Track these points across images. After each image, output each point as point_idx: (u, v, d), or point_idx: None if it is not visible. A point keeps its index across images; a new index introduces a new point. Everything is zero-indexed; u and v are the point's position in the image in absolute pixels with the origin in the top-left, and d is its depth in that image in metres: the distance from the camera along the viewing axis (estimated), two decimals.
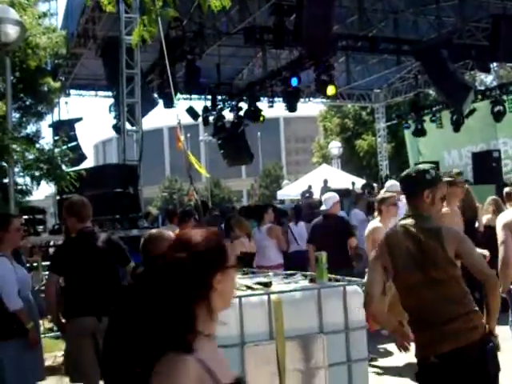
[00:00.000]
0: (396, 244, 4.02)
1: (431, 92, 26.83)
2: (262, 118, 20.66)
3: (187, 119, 22.17)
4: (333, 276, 5.35)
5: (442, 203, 4.20)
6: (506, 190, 11.14)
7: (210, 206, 23.00)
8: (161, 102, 17.99)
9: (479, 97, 20.97)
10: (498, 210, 10.80)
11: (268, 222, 10.75)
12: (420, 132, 23.36)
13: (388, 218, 7.85)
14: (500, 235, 5.81)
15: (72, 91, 21.99)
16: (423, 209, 4.05)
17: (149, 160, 19.75)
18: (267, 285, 5.21)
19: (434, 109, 23.26)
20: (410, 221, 4.06)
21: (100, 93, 22.36)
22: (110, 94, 19.05)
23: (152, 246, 5.04)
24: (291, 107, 19.62)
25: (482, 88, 26.51)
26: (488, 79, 36.80)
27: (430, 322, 3.93)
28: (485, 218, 11.18)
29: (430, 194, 4.05)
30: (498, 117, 20.33)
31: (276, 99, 21.55)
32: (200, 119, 22.56)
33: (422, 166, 4.19)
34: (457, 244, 3.97)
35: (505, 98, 20.37)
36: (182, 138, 6.65)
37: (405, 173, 4.22)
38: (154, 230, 5.41)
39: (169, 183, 72.87)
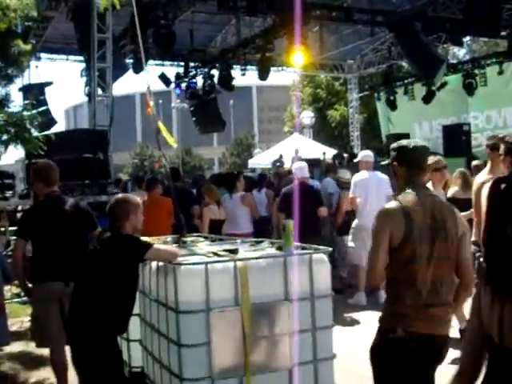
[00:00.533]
0: (414, 213, 3.93)
1: (404, 64, 26.89)
2: (232, 86, 20.56)
3: (160, 86, 22.05)
4: (299, 244, 5.38)
5: None
6: (474, 163, 11.26)
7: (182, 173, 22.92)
8: (132, 67, 17.87)
9: (451, 70, 21.02)
10: (465, 183, 10.91)
11: (240, 190, 10.76)
12: (392, 103, 23.42)
13: (434, 184, 7.89)
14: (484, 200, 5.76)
15: (43, 55, 21.72)
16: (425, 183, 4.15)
17: (120, 126, 19.61)
18: (234, 252, 5.23)
19: (406, 81, 23.32)
20: (428, 195, 4.08)
21: (71, 57, 22.10)
22: (81, 58, 18.82)
23: (118, 210, 5.05)
24: (263, 76, 19.56)
25: (455, 61, 26.57)
26: (461, 53, 36.93)
27: (421, 300, 3.90)
28: (452, 190, 11.29)
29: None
30: (469, 90, 20.43)
31: (249, 67, 21.44)
32: (172, 86, 22.42)
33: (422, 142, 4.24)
34: (463, 230, 4.02)
35: (477, 72, 20.44)
36: (152, 103, 6.57)
37: (423, 145, 4.20)
38: (119, 195, 5.41)
39: (140, 150, 72.50)
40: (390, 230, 3.92)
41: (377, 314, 9.39)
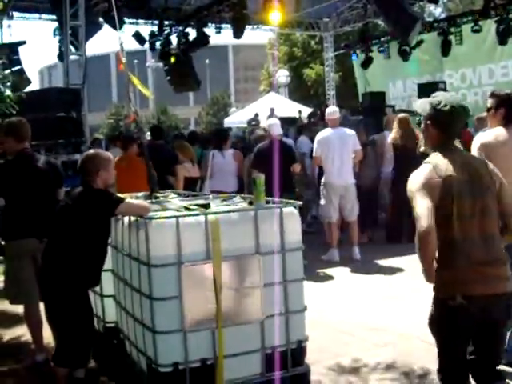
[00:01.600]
0: (448, 171, 3.80)
1: (380, 22, 26.77)
2: (206, 43, 20.40)
3: (134, 45, 21.81)
4: (270, 198, 5.42)
5: None
6: (479, 115, 11.32)
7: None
8: (106, 25, 17.63)
9: (427, 28, 20.96)
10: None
11: (229, 148, 10.78)
12: (368, 62, 23.34)
13: None
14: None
15: (15, 13, 21.32)
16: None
17: (95, 87, 19.39)
18: (205, 206, 5.27)
19: (382, 39, 23.21)
20: (456, 152, 3.97)
21: (44, 16, 21.71)
22: (54, 17, 18.55)
23: (89, 165, 5.06)
24: (237, 34, 19.41)
25: (431, 20, 26.49)
26: (437, 11, 36.84)
27: (473, 259, 3.78)
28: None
29: None
30: (445, 49, 20.41)
31: (224, 26, 21.24)
32: (147, 45, 22.19)
33: (461, 100, 4.00)
34: (500, 181, 3.95)
35: (452, 30, 20.40)
36: (124, 59, 6.53)
37: (461, 107, 3.92)
38: (90, 150, 5.42)
39: (115, 110, 71.90)
40: (427, 190, 3.77)
41: (349, 270, 9.59)
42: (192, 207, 5.23)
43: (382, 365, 5.92)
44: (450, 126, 3.93)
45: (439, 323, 3.97)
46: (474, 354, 4.01)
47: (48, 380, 5.58)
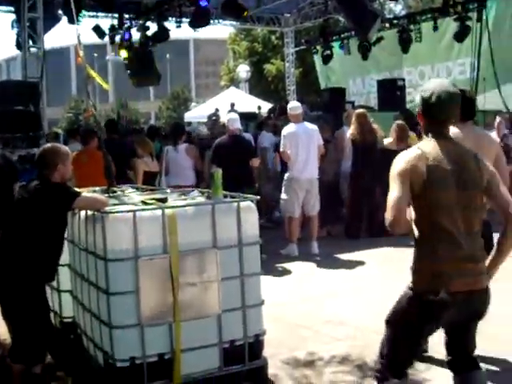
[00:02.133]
0: (436, 160, 3.73)
1: (341, 18, 26.83)
2: (167, 38, 20.32)
3: (94, 38, 21.63)
4: (228, 193, 5.43)
5: None
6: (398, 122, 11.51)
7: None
8: (65, 18, 17.43)
9: (387, 25, 21.11)
10: (401, 136, 11.18)
11: (183, 142, 10.76)
12: (328, 58, 23.42)
13: None
14: None
15: None
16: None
17: (55, 80, 19.17)
18: (163, 200, 5.27)
19: (342, 35, 23.31)
20: (449, 140, 3.88)
21: (2, 7, 21.42)
22: (12, 8, 18.30)
23: (46, 159, 5.02)
24: (198, 28, 19.42)
25: (391, 17, 26.67)
26: (397, 8, 37.06)
27: (456, 253, 3.71)
28: (386, 141, 11.54)
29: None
30: (404, 46, 20.56)
31: (184, 19, 21.15)
32: (106, 38, 22.02)
33: (452, 86, 3.88)
34: (489, 173, 3.84)
35: (412, 27, 20.55)
36: (82, 53, 6.50)
37: (449, 95, 3.81)
38: (48, 144, 5.37)
39: (74, 104, 71.23)
40: (409, 175, 3.72)
41: (307, 264, 9.64)
42: (149, 201, 5.22)
43: (337, 358, 5.96)
44: (435, 114, 3.88)
45: (411, 316, 3.85)
46: (449, 345, 4.07)
47: (4, 376, 5.54)
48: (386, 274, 8.70)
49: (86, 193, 5.18)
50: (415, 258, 3.86)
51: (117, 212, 4.86)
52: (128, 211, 4.83)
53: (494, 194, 3.82)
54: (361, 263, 9.68)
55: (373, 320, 6.77)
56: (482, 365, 4.08)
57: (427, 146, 3.82)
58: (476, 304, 3.83)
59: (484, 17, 17.34)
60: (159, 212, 4.84)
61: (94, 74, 6.76)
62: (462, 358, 4.04)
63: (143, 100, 79.14)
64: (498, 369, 5.55)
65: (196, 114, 29.99)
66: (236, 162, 9.29)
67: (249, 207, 5.22)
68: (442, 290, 3.68)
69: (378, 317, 6.88)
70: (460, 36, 18.10)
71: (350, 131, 11.76)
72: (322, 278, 9.05)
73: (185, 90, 74.74)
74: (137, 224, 4.71)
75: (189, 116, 30.75)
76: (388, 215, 3.69)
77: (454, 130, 5.49)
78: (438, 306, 3.72)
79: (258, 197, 5.41)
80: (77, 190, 5.14)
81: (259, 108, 23.86)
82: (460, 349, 4.05)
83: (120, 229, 4.75)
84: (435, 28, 19.57)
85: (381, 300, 7.45)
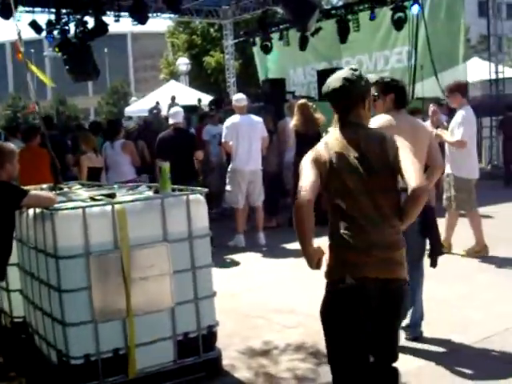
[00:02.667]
0: (339, 148, 3.72)
1: (279, 10, 26.93)
2: (105, 32, 20.14)
3: (31, 34, 21.29)
4: (176, 186, 5.45)
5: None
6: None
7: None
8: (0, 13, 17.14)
9: (325, 16, 21.25)
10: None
11: (121, 138, 10.69)
12: (267, 49, 23.52)
13: None
14: None
15: None
16: (362, 116, 3.84)
17: None
18: (111, 196, 5.26)
19: (281, 26, 23.42)
20: (353, 127, 3.81)
21: None
22: None
23: (6, 162, 4.98)
24: (141, 20, 19.33)
25: (329, 7, 26.88)
26: None
27: (360, 240, 3.67)
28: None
29: (367, 100, 3.86)
30: (342, 36, 20.74)
31: (122, 14, 21.01)
32: (44, 33, 21.71)
33: (352, 73, 3.81)
34: (395, 151, 3.74)
35: (350, 17, 20.75)
36: (22, 49, 6.43)
37: (339, 83, 3.79)
38: None
39: (12, 101, 70.10)
40: (316, 164, 3.70)
41: (255, 255, 9.71)
42: (98, 197, 5.21)
43: (291, 346, 6.04)
44: (332, 102, 3.89)
45: (328, 309, 3.85)
46: (372, 347, 3.88)
47: None
48: None
49: (33, 191, 5.14)
50: (328, 247, 3.82)
51: (66, 209, 4.84)
52: (77, 208, 4.82)
53: (400, 171, 3.72)
54: None
55: None
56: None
57: (330, 136, 3.84)
58: (390, 294, 3.74)
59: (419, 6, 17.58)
60: (109, 208, 4.85)
61: (35, 70, 6.69)
62: (380, 368, 3.90)
63: (82, 96, 78.14)
64: (445, 350, 5.71)
65: (136, 108, 29.84)
66: (180, 156, 9.28)
67: (198, 200, 5.26)
68: (347, 276, 3.67)
69: None
70: (397, 25, 18.34)
71: (293, 122, 11.84)
72: (270, 268, 9.14)
73: (124, 84, 74.17)
74: (87, 220, 4.71)
75: (129, 110, 30.53)
76: (298, 197, 3.68)
77: (387, 117, 5.63)
78: (348, 293, 3.69)
79: (207, 189, 5.44)
80: (24, 188, 5.10)
81: (199, 101, 23.86)
82: (378, 356, 3.90)
83: (70, 226, 4.74)
84: (372, 17, 19.80)
85: None
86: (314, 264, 3.79)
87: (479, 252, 8.87)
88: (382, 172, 3.71)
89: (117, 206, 4.85)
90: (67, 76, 22.24)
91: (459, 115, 8.72)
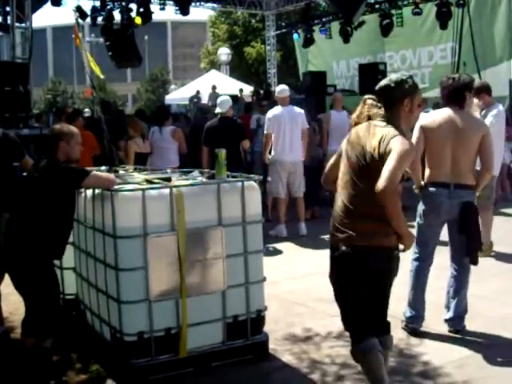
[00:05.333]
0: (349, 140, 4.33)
1: (322, 2, 26.93)
2: (149, 20, 20.30)
3: (72, 19, 21.53)
4: (230, 173, 5.57)
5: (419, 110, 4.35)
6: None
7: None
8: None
9: (369, 10, 21.21)
10: None
11: (169, 124, 10.81)
12: (309, 42, 23.52)
13: None
14: (414, 133, 6.04)
15: None
16: (401, 117, 4.21)
17: (32, 61, 19.08)
18: (167, 179, 5.40)
19: (324, 19, 23.42)
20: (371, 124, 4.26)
21: None
22: None
23: (50, 137, 5.12)
24: (184, 10, 19.44)
25: (372, 1, 26.78)
26: None
27: (354, 211, 4.17)
28: None
29: (409, 102, 4.20)
30: (385, 31, 20.70)
31: (167, 2, 21.18)
32: (88, 19, 21.94)
33: (398, 76, 4.28)
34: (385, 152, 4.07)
35: (393, 12, 20.70)
36: (80, 34, 6.61)
37: (384, 83, 4.30)
38: (57, 125, 5.44)
39: (52, 85, 70.75)
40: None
41: (297, 244, 9.79)
42: (155, 180, 5.35)
43: (333, 334, 6.13)
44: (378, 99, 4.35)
45: (330, 274, 4.46)
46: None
47: (7, 351, 5.68)
48: None
49: (95, 171, 5.27)
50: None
51: (126, 190, 4.98)
52: (137, 190, 4.96)
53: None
54: None
55: None
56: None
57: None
58: (378, 259, 4.19)
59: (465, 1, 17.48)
60: (167, 191, 4.98)
61: (90, 58, 6.84)
62: (377, 321, 4.35)
63: (120, 82, 78.65)
64: (486, 342, 5.79)
65: (177, 96, 30.02)
66: (226, 145, 9.37)
67: (252, 187, 5.38)
68: (341, 245, 4.27)
69: None
70: (442, 21, 18.28)
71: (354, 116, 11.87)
72: (311, 258, 9.23)
73: (163, 71, 74.43)
74: (146, 202, 4.85)
75: (169, 98, 30.77)
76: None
77: (448, 112, 5.80)
78: (343, 259, 4.26)
79: (261, 177, 5.56)
80: (85, 168, 5.23)
81: (241, 91, 23.96)
82: (376, 312, 4.34)
83: (129, 207, 4.88)
84: (417, 13, 19.74)
85: None
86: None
87: (487, 251, 8.61)
88: (371, 163, 4.08)
89: (175, 190, 4.98)
90: (107, 62, 22.45)
91: (487, 114, 8.70)
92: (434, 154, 5.89)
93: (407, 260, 5.82)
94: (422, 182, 6.02)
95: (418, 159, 5.95)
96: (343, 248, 4.20)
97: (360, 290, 4.25)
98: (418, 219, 6.05)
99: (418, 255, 6.03)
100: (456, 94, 5.90)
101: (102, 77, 7.58)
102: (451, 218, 5.87)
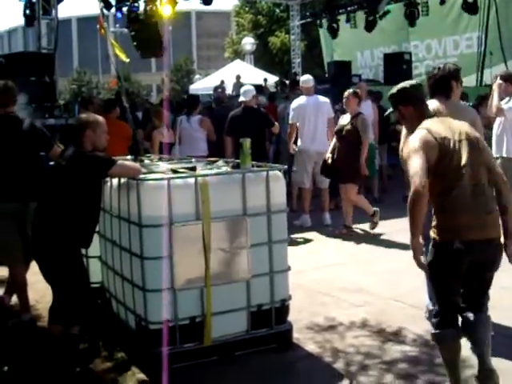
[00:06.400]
0: (440, 130, 4.22)
1: None
2: (173, 11, 20.27)
3: (96, 9, 21.60)
4: (254, 162, 5.58)
5: None
6: None
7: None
8: None
9: None
10: None
11: (197, 114, 10.87)
12: (334, 31, 23.47)
13: None
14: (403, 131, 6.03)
15: None
16: (406, 116, 4.51)
17: (57, 52, 19.18)
18: (193, 169, 5.43)
19: (348, 9, 23.35)
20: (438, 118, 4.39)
21: None
22: None
23: (76, 125, 5.17)
24: (207, 0, 19.46)
25: None
26: None
27: (467, 208, 4.09)
28: None
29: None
30: (411, 20, 20.59)
31: None
32: (113, 10, 22.00)
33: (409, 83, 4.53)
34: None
35: (419, 1, 20.59)
36: (105, 24, 6.65)
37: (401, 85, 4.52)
38: (83, 115, 5.48)
39: (77, 75, 71.11)
40: (425, 150, 4.12)
41: (322, 234, 9.79)
42: (180, 170, 5.38)
43: (357, 323, 6.14)
44: (417, 96, 4.50)
45: (437, 267, 4.24)
46: (462, 296, 4.35)
47: (33, 338, 5.75)
48: (396, 243, 8.87)
49: (120, 161, 5.30)
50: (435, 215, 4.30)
51: (152, 180, 5.02)
52: (163, 179, 4.99)
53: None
54: (372, 233, 9.90)
55: (386, 287, 7.12)
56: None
57: (426, 125, 4.32)
58: (489, 251, 4.19)
59: None
60: (192, 180, 5.01)
61: (115, 44, 6.88)
62: (471, 303, 4.33)
63: (145, 72, 78.81)
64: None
65: (201, 85, 30.03)
66: (250, 134, 9.37)
67: (277, 176, 5.39)
68: (455, 241, 4.10)
69: (391, 284, 7.18)
70: (470, 8, 18.11)
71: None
72: (335, 248, 9.26)
73: (188, 61, 74.48)
74: (171, 191, 4.88)
75: (194, 88, 30.77)
76: (415, 183, 4.06)
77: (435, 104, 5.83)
78: (455, 254, 4.13)
79: (286, 166, 5.57)
80: (112, 157, 5.27)
81: (265, 80, 23.94)
82: (471, 296, 4.33)
83: (155, 196, 4.91)
84: (442, 2, 19.61)
85: (393, 269, 7.75)
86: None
87: None
88: (476, 147, 4.25)
89: (200, 179, 5.00)
90: (131, 52, 22.47)
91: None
92: None
93: None
94: None
95: None
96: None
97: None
98: None
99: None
100: (442, 83, 5.81)
101: (127, 61, 7.57)
102: None
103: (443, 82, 5.80)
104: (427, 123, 4.29)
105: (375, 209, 9.92)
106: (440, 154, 4.11)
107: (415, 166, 4.07)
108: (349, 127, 9.78)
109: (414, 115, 4.44)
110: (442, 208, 4.18)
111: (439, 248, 4.20)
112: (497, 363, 4.37)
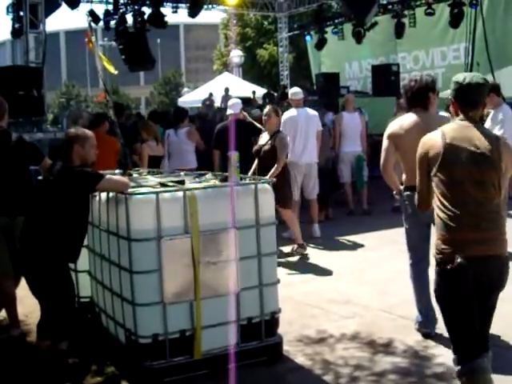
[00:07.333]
0: (454, 138, 3.99)
1: (334, 4, 26.92)
2: (164, 24, 20.36)
3: (84, 23, 21.58)
4: (243, 175, 5.59)
5: None
6: (400, 101, 11.56)
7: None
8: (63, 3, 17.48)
9: (381, 11, 21.20)
10: None
11: (185, 126, 10.87)
12: (322, 43, 23.54)
13: None
14: (384, 143, 5.99)
15: None
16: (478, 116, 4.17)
17: (45, 65, 19.18)
18: (181, 182, 5.43)
19: (336, 21, 23.42)
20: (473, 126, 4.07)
21: None
22: None
23: (64, 140, 5.16)
24: (194, 12, 19.51)
25: (385, 2, 26.76)
26: None
27: (471, 223, 3.92)
28: None
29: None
30: (398, 32, 20.69)
31: (180, 4, 21.25)
32: (101, 23, 22.02)
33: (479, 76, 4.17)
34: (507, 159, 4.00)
35: (406, 13, 20.69)
36: (93, 38, 6.65)
37: (478, 81, 4.08)
38: (72, 130, 5.47)
39: (66, 89, 71.15)
40: (427, 154, 4.07)
41: (311, 246, 9.76)
42: (168, 183, 5.38)
43: (347, 335, 6.14)
44: (467, 97, 4.12)
45: (444, 289, 4.05)
46: None
47: (23, 353, 5.72)
48: (386, 254, 8.91)
49: (108, 175, 5.30)
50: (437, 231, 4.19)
51: (140, 194, 5.02)
52: (151, 193, 4.99)
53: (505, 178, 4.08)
54: (361, 245, 9.90)
55: (377, 299, 7.09)
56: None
57: (448, 128, 4.13)
58: (494, 269, 4.01)
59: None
60: (180, 194, 5.01)
61: (103, 57, 6.89)
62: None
63: (133, 85, 78.92)
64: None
65: (189, 98, 30.08)
66: (239, 146, 9.37)
67: (265, 189, 5.40)
68: (456, 256, 3.93)
69: (381, 296, 7.19)
70: (455, 21, 18.24)
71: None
72: (326, 259, 9.24)
73: (176, 74, 74.60)
74: (160, 205, 4.88)
75: (182, 101, 30.78)
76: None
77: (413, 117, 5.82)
78: (458, 272, 3.93)
79: (274, 179, 5.58)
80: (99, 172, 5.26)
81: (254, 93, 23.99)
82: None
83: (143, 210, 4.91)
84: (429, 13, 19.70)
85: (382, 280, 7.75)
86: None
87: None
88: (492, 167, 4.02)
89: (188, 193, 5.01)
90: (120, 65, 22.46)
91: (497, 115, 8.69)
92: (407, 159, 5.62)
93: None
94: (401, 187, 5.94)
95: (390, 167, 5.93)
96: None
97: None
98: (404, 224, 6.02)
99: (411, 260, 5.95)
100: (420, 95, 5.82)
101: (115, 72, 7.55)
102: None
103: (421, 95, 5.82)
104: (447, 127, 4.12)
105: (304, 243, 9.58)
106: (443, 160, 3.98)
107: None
108: (267, 147, 9.31)
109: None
110: (445, 224, 4.00)
111: (441, 266, 4.01)
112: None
